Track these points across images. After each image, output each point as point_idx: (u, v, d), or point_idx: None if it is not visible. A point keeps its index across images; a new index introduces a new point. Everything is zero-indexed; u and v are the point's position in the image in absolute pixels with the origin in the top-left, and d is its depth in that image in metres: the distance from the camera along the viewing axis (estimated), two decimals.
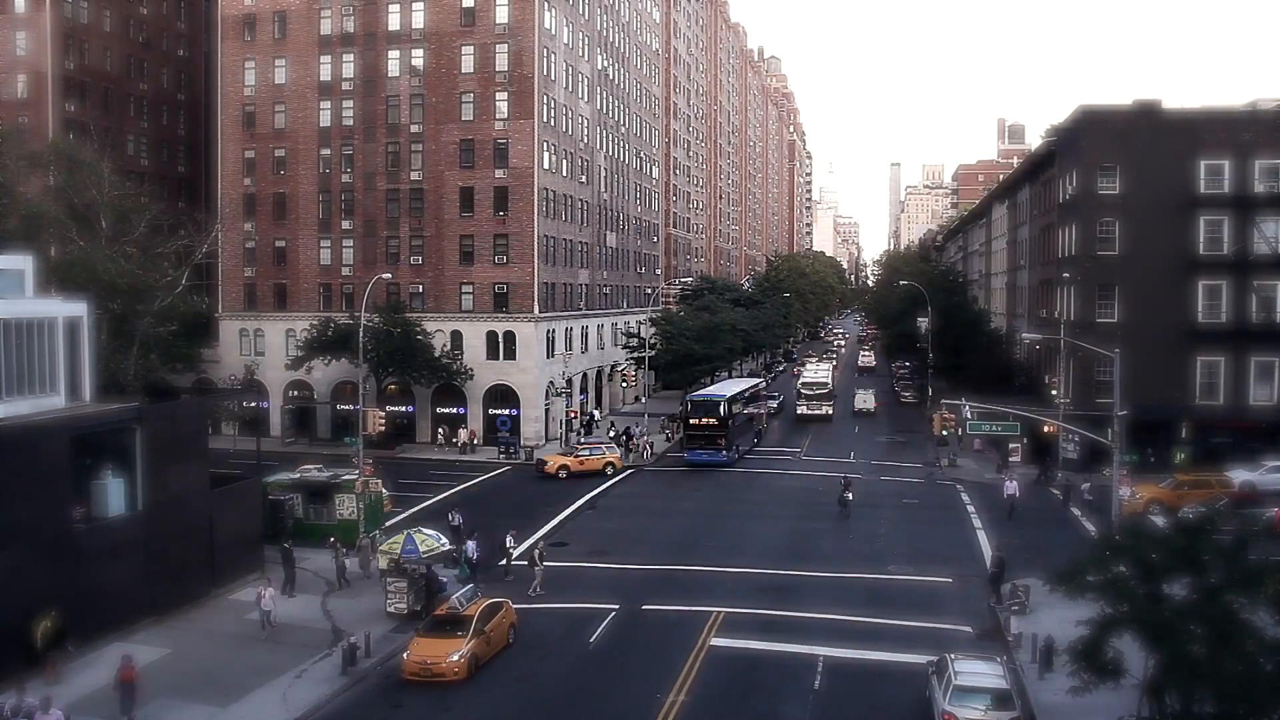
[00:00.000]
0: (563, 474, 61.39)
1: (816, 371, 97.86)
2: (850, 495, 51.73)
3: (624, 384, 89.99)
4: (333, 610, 35.80)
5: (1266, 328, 60.16)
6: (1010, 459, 61.79)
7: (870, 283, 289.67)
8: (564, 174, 77.49)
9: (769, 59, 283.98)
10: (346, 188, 75.05)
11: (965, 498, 56.64)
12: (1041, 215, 77.52)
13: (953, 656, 27.41)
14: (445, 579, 37.54)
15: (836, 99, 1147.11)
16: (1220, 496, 43.84)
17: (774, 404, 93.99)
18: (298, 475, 46.61)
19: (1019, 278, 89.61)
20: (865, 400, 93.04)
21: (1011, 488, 52.19)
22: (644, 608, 36.40)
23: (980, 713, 25.02)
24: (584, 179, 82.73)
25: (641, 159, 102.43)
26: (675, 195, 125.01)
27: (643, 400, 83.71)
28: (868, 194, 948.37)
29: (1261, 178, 60.39)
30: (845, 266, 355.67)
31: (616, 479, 61.76)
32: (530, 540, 44.87)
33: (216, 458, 42.81)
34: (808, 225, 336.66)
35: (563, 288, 77.59)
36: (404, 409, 72.77)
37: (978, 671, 26.34)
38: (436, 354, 69.78)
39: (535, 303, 71.87)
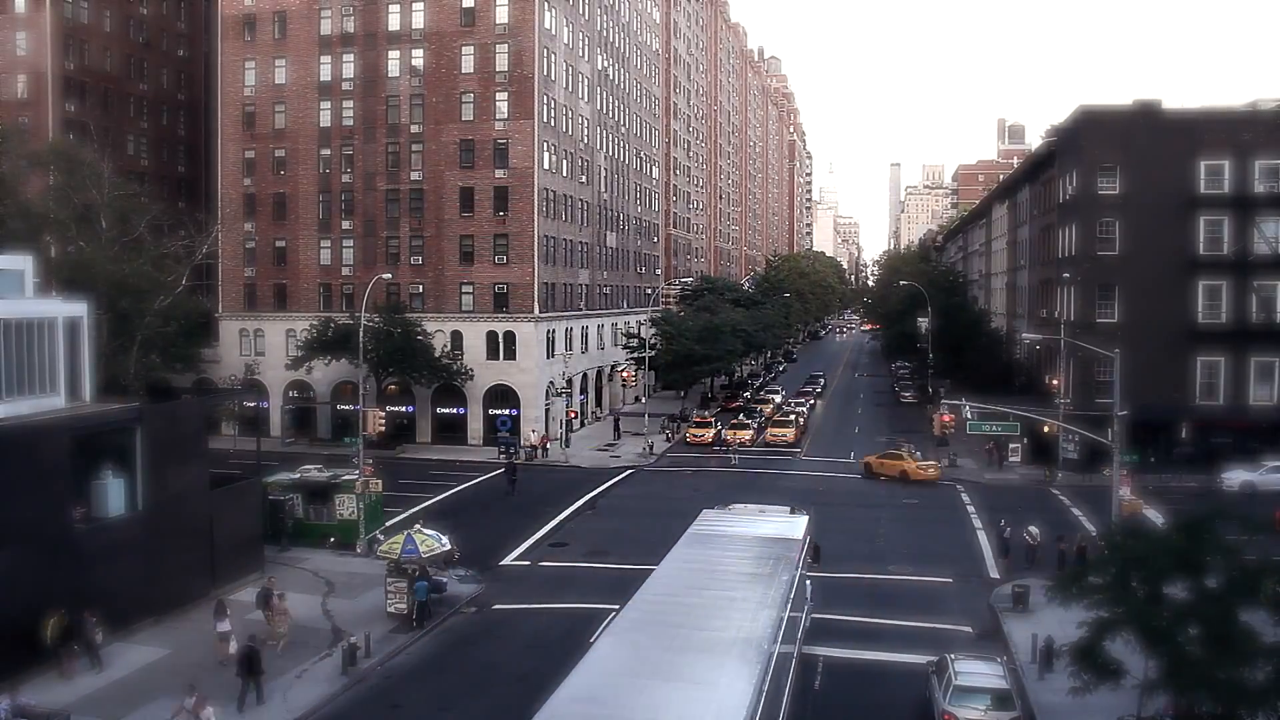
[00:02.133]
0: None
1: None
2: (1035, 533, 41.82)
3: (624, 385, 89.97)
4: (333, 610, 35.79)
5: (1266, 328, 60.19)
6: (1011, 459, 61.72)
7: (870, 283, 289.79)
8: (564, 174, 77.47)
9: (769, 59, 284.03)
10: (346, 188, 75.04)
11: (965, 498, 56.64)
12: (1041, 215, 77.53)
13: (953, 656, 27.40)
14: (445, 579, 37.54)
15: (836, 99, 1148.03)
16: None
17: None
18: (298, 475, 46.57)
19: (1019, 278, 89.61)
20: None
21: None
22: None
23: (980, 713, 24.96)
24: (584, 179, 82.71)
25: (641, 159, 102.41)
26: (675, 195, 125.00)
27: (643, 400, 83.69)
28: (868, 194, 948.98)
29: (1261, 178, 60.44)
30: (845, 266, 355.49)
31: (616, 479, 61.80)
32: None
33: (216, 458, 42.82)
34: (808, 225, 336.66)
35: (563, 288, 77.58)
36: (404, 409, 72.76)
37: (978, 672, 26.28)
38: (436, 354, 69.77)
39: (535, 303, 71.86)
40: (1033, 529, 42.72)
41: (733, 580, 25.81)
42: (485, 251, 72.17)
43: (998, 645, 32.46)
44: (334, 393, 74.26)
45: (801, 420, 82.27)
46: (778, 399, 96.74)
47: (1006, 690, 25.78)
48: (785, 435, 74.93)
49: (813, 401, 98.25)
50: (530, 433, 70.30)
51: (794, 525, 31.80)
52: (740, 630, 21.92)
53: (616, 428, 78.65)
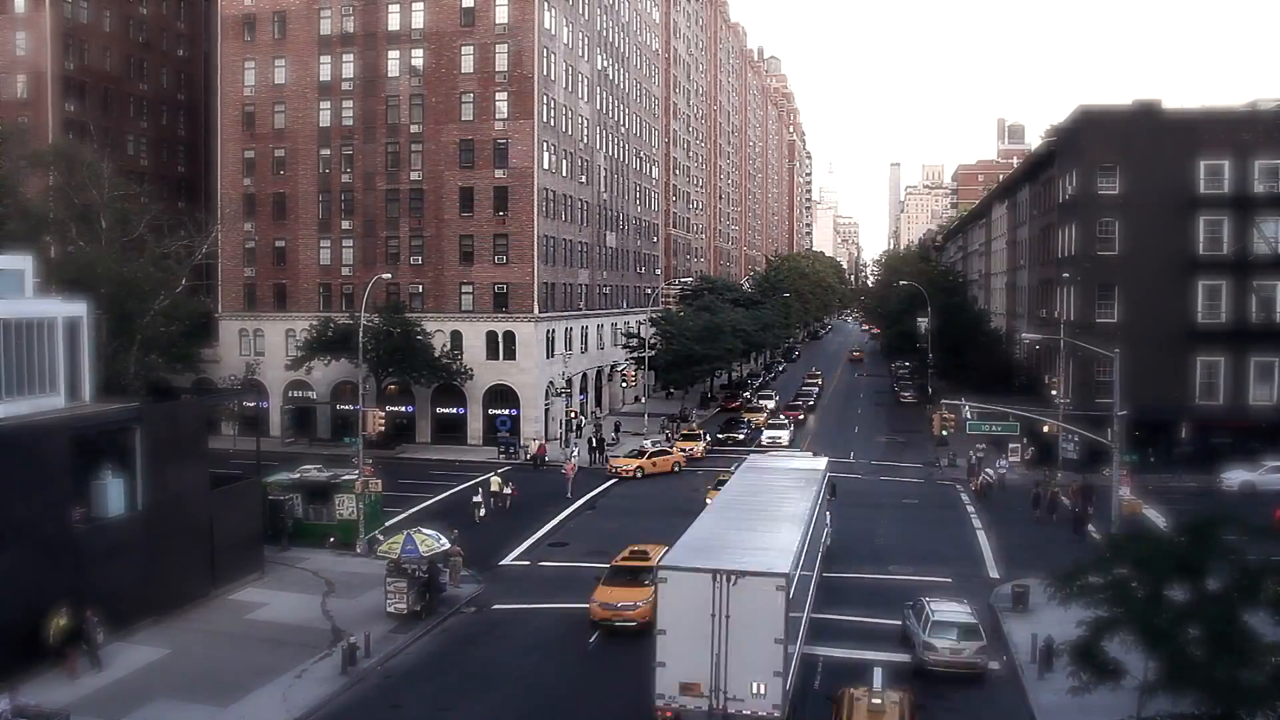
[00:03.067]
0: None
1: None
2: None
3: (624, 384, 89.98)
4: (333, 610, 35.79)
5: (1266, 328, 60.19)
6: (1011, 458, 61.63)
7: (870, 283, 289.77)
8: (564, 174, 77.48)
9: (769, 59, 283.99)
10: (346, 188, 75.04)
11: (965, 498, 56.63)
12: (1041, 215, 77.55)
13: (928, 599, 32.36)
14: (444, 579, 37.54)
15: (836, 99, 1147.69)
16: None
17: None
18: (298, 475, 46.58)
19: (1019, 278, 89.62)
20: None
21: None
22: None
23: (953, 642, 30.02)
24: (584, 179, 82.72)
25: (641, 159, 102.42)
26: (675, 195, 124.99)
27: (643, 400, 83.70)
28: (868, 194, 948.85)
29: (1261, 178, 60.45)
30: (845, 266, 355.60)
31: (616, 479, 61.78)
32: None
33: (216, 458, 42.83)
34: (808, 225, 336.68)
35: (563, 288, 77.58)
36: (404, 409, 72.76)
37: (950, 610, 31.47)
38: (436, 354, 69.76)
39: (535, 303, 71.86)
40: (989, 470, 53.55)
41: (779, 489, 36.40)
42: (485, 251, 72.17)
43: (997, 645, 32.49)
44: (334, 393, 74.26)
45: (782, 444, 71.28)
46: (771, 405, 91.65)
47: (974, 624, 30.91)
48: None
49: (801, 415, 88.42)
50: (530, 440, 69.25)
51: (817, 462, 43.57)
52: (788, 511, 32.72)
53: (616, 428, 77.57)
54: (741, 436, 75.53)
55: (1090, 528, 46.45)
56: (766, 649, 24.63)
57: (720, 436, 75.60)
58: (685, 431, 75.75)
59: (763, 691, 24.69)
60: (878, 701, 23.64)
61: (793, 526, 30.59)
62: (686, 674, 24.95)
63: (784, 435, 74.25)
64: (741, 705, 24.74)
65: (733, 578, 24.89)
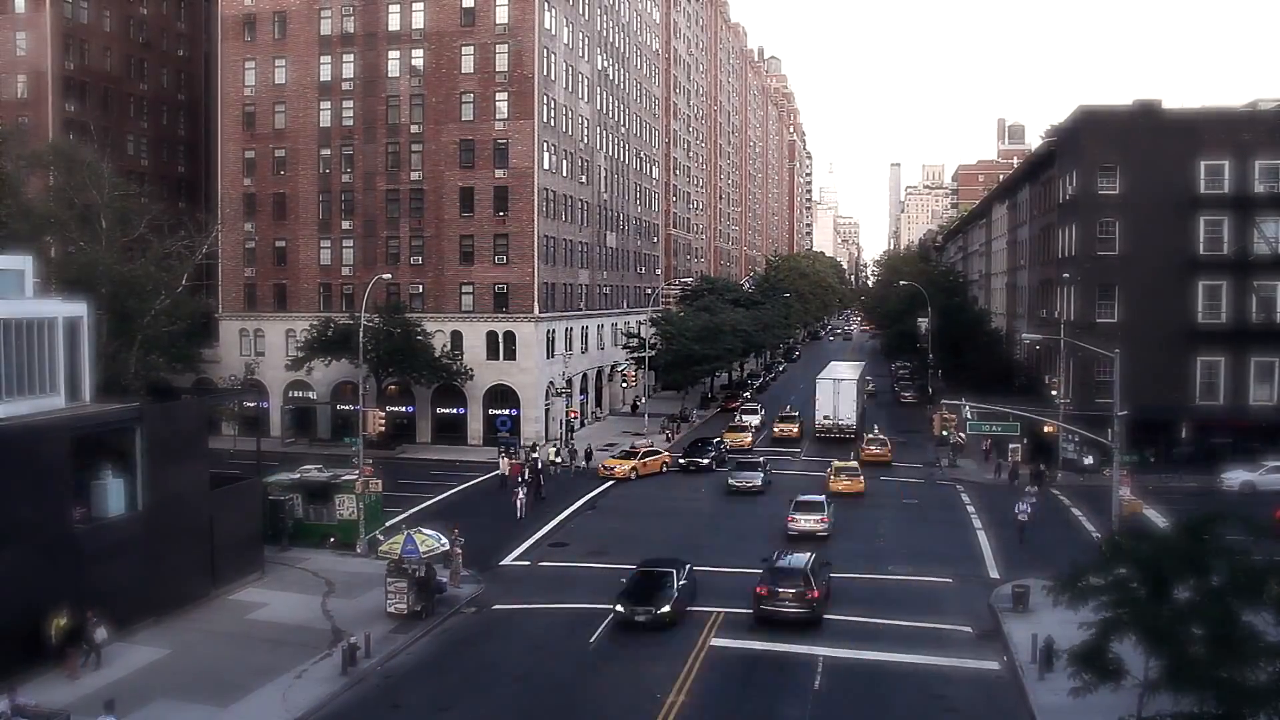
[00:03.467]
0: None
1: None
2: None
3: (624, 384, 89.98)
4: (333, 610, 35.80)
5: (1266, 328, 60.19)
6: (1012, 458, 61.55)
7: (870, 283, 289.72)
8: (564, 174, 77.46)
9: (769, 59, 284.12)
10: (346, 188, 75.01)
11: (965, 498, 56.63)
12: (1041, 215, 77.55)
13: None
14: (444, 579, 37.55)
15: (836, 99, 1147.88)
16: None
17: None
18: (298, 475, 46.57)
19: (1019, 278, 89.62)
20: None
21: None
22: None
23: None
24: (584, 179, 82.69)
25: (641, 159, 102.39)
26: (675, 195, 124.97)
27: (642, 401, 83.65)
28: (868, 194, 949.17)
29: (1261, 178, 60.42)
30: (845, 266, 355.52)
31: (615, 480, 61.72)
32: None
33: (216, 458, 42.83)
34: (808, 225, 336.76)
35: (563, 288, 77.56)
36: (404, 409, 72.74)
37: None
38: (436, 354, 69.73)
39: (535, 303, 71.84)
40: (962, 434, 64.65)
41: (843, 370, 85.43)
42: (485, 251, 72.14)
43: (997, 645, 32.49)
44: (334, 393, 74.23)
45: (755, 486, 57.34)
46: (755, 421, 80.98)
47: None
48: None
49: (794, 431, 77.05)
50: (506, 456, 61.66)
51: (859, 366, 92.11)
52: (850, 368, 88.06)
53: (588, 455, 66.11)
54: (705, 462, 63.81)
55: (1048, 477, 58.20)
56: (850, 404, 76.35)
57: (682, 462, 64.25)
58: (624, 450, 66.58)
59: (850, 418, 76.01)
60: (875, 432, 71.54)
61: (855, 371, 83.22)
62: (825, 414, 75.91)
63: (757, 478, 57.34)
64: (842, 421, 75.48)
65: (841, 381, 77.10)
